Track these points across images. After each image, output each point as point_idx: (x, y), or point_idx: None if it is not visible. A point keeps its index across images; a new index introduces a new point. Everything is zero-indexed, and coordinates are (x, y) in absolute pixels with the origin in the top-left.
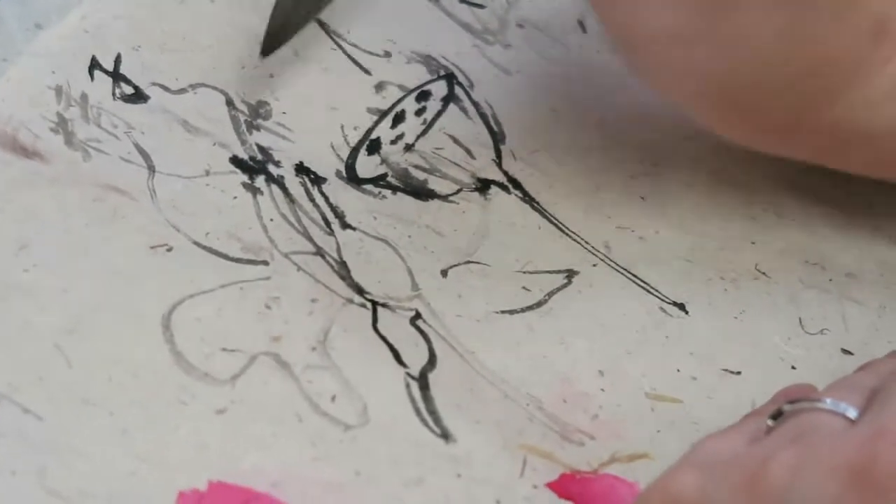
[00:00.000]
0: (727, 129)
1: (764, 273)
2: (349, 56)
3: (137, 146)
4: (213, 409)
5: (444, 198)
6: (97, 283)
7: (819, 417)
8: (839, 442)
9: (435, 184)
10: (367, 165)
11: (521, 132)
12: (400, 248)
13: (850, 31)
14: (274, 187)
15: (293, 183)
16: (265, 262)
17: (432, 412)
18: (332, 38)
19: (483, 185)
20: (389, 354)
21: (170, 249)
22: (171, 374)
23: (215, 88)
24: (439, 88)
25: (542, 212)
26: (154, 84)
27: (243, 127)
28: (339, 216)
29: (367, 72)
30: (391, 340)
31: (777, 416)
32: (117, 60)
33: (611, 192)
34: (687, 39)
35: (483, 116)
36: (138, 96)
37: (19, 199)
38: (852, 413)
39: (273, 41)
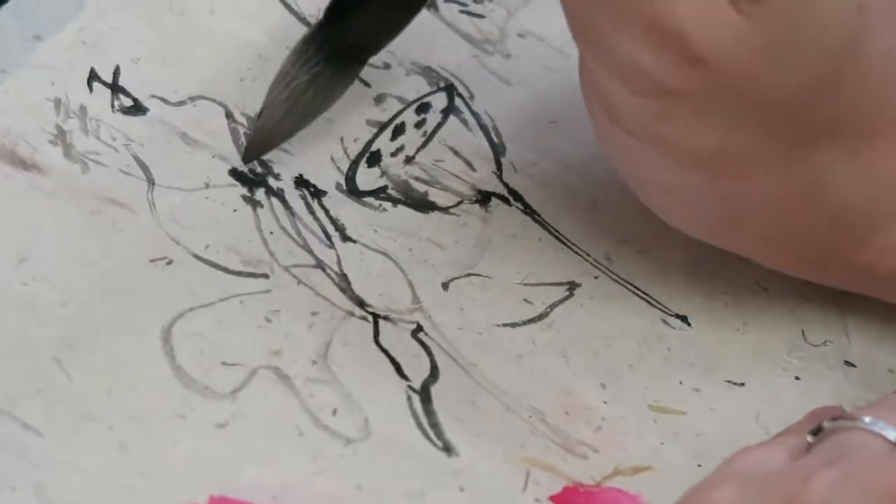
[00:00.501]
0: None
1: (765, 289)
2: None
3: (136, 158)
4: (214, 423)
5: (445, 210)
6: (96, 296)
7: (859, 437)
8: (879, 464)
9: (435, 196)
10: (368, 178)
11: (521, 144)
12: (401, 260)
13: (869, 187)
14: (274, 200)
15: (293, 195)
16: (265, 276)
17: (434, 425)
18: None
19: (484, 198)
20: (391, 367)
21: (169, 262)
22: (171, 388)
23: (214, 101)
24: (439, 100)
25: (543, 224)
26: (153, 96)
27: (243, 139)
28: (340, 229)
29: (366, 84)
30: (392, 353)
31: (817, 432)
32: (116, 72)
33: (612, 205)
34: (700, 194)
35: (483, 128)
36: (137, 108)
37: (18, 212)
38: (892, 434)
39: (255, 151)
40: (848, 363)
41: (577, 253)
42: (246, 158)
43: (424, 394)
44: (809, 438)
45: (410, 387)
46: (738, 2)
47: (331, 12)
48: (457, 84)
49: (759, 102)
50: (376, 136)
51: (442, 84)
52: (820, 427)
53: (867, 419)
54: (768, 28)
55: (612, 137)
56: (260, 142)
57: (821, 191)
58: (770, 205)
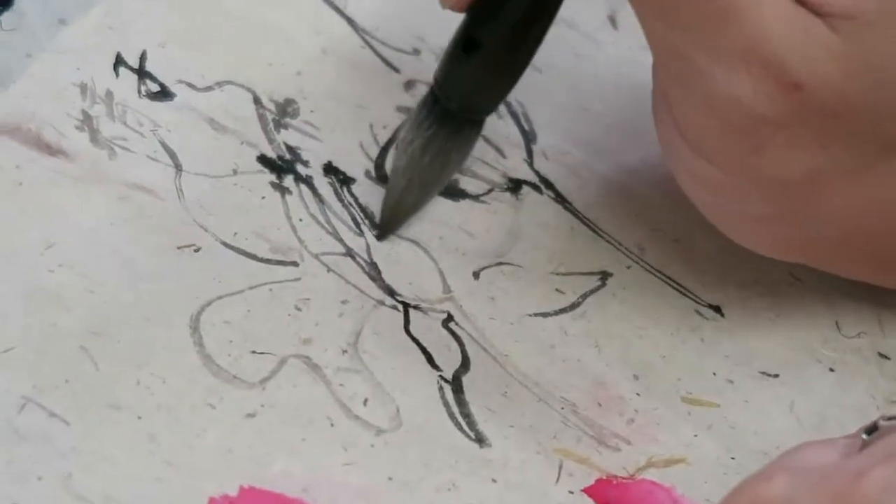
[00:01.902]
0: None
1: (799, 279)
2: (378, 54)
3: (164, 144)
4: (243, 412)
5: (476, 198)
6: (124, 284)
7: None
8: None
9: (466, 184)
10: None
11: (552, 131)
12: (431, 249)
13: None
14: (303, 187)
15: (322, 183)
16: (294, 263)
17: (466, 416)
18: (360, 35)
19: (515, 186)
20: (422, 357)
21: (197, 250)
22: (200, 377)
23: (242, 86)
24: None
25: (574, 213)
26: (180, 82)
27: (271, 125)
28: (369, 217)
29: (396, 70)
30: (423, 343)
31: (871, 431)
32: (142, 57)
33: (645, 193)
34: (784, 219)
35: (514, 115)
36: (164, 94)
37: (44, 198)
38: None
39: (386, 228)
40: (882, 355)
41: (609, 242)
42: (380, 237)
43: (456, 384)
44: (864, 437)
45: (442, 377)
46: (832, 20)
47: (440, 73)
48: None
49: (849, 121)
50: (406, 121)
51: None
52: (875, 426)
53: None
54: (861, 44)
55: (697, 171)
56: (389, 215)
57: (891, 199)
58: (848, 218)
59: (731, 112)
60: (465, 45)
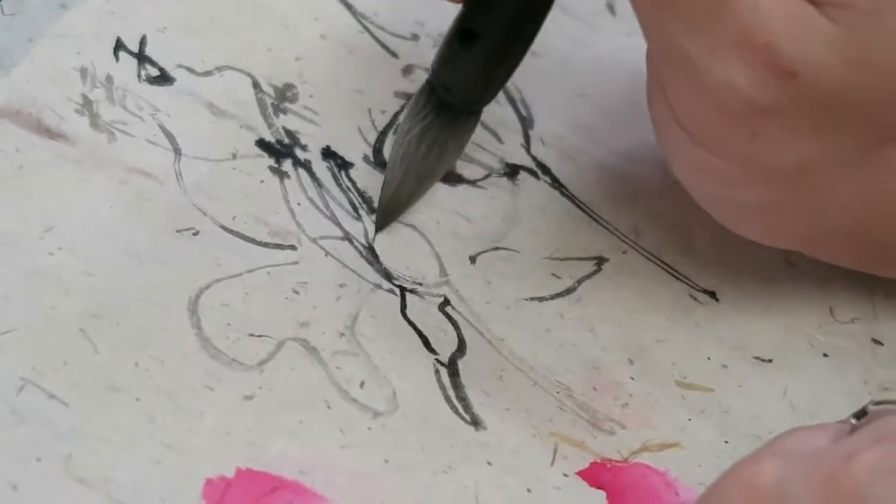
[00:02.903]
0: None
1: (793, 264)
2: (376, 39)
3: (163, 129)
4: (241, 395)
5: (473, 183)
6: (123, 266)
7: None
8: None
9: (463, 169)
10: None
11: (549, 116)
12: (428, 233)
13: None
14: (301, 171)
15: (320, 167)
16: (293, 247)
17: (462, 399)
18: (358, 20)
19: (512, 171)
20: (418, 341)
21: (196, 233)
22: (198, 360)
23: (242, 71)
24: None
25: (571, 198)
26: (180, 66)
27: (270, 110)
28: (367, 201)
29: (394, 55)
30: (420, 327)
31: (861, 415)
32: (142, 42)
33: (641, 179)
34: (780, 207)
35: (511, 100)
36: (164, 78)
37: (43, 182)
38: None
39: (384, 217)
40: (876, 341)
41: (605, 227)
42: (378, 227)
43: (452, 367)
44: (853, 421)
45: (438, 360)
46: (828, 8)
47: (436, 64)
48: None
49: (845, 109)
50: (404, 107)
51: None
52: (864, 410)
53: None
54: (857, 31)
55: (693, 159)
56: (386, 205)
57: (891, 189)
58: (845, 208)
59: (727, 99)
60: (461, 35)
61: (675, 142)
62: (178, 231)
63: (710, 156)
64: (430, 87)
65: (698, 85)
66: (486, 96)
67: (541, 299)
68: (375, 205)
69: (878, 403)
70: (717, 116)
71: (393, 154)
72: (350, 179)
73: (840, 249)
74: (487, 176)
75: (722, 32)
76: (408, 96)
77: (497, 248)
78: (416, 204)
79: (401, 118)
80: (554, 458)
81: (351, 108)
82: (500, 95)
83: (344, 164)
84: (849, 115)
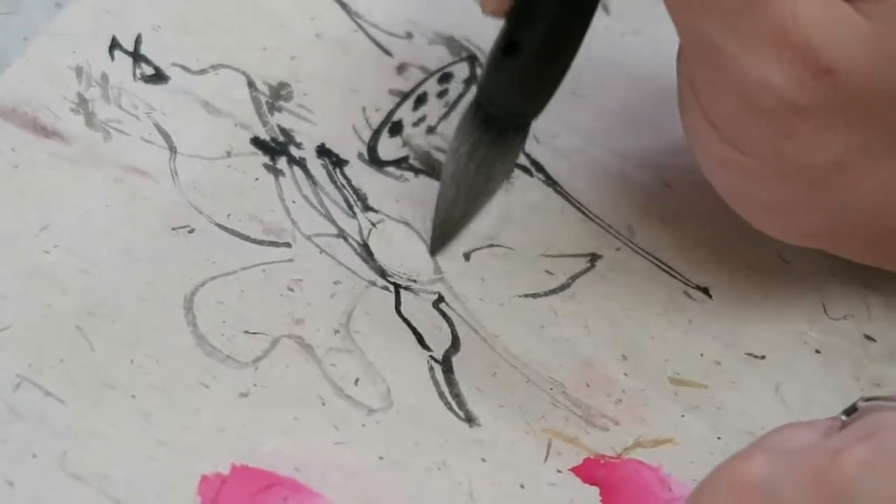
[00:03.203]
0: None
1: (786, 261)
2: (371, 37)
3: (158, 127)
4: (236, 392)
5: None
6: (118, 264)
7: (893, 416)
8: None
9: None
10: (389, 147)
11: (544, 115)
12: (422, 230)
13: None
14: (296, 169)
15: (315, 165)
16: (287, 245)
17: (456, 395)
18: (353, 19)
19: None
20: (412, 338)
21: (191, 231)
22: (193, 357)
23: (237, 70)
24: (461, 70)
25: (564, 195)
26: (175, 65)
27: (264, 108)
28: (361, 198)
29: (388, 53)
30: (414, 324)
31: (851, 412)
32: (138, 41)
33: (634, 177)
34: (808, 205)
35: None
36: (159, 77)
37: (40, 180)
38: None
39: (439, 241)
40: (868, 337)
41: (599, 224)
42: (433, 250)
43: (446, 364)
44: (843, 417)
45: (432, 357)
46: (862, 5)
47: (482, 78)
48: (479, 54)
49: (876, 104)
50: (398, 105)
51: (464, 54)
52: (854, 407)
53: None
54: (891, 27)
55: (723, 157)
56: (439, 229)
57: None
58: (875, 204)
59: (762, 97)
60: (505, 48)
61: (705, 140)
62: (173, 229)
63: (741, 154)
64: (477, 104)
65: (732, 83)
66: (534, 108)
67: (534, 296)
68: (370, 202)
69: (868, 400)
70: (750, 115)
71: (444, 174)
72: (345, 177)
73: (868, 247)
74: None
75: (758, 31)
76: (402, 94)
77: (491, 246)
78: (410, 201)
79: (450, 138)
80: (547, 454)
81: (345, 107)
82: None
83: (338, 162)
84: (878, 109)
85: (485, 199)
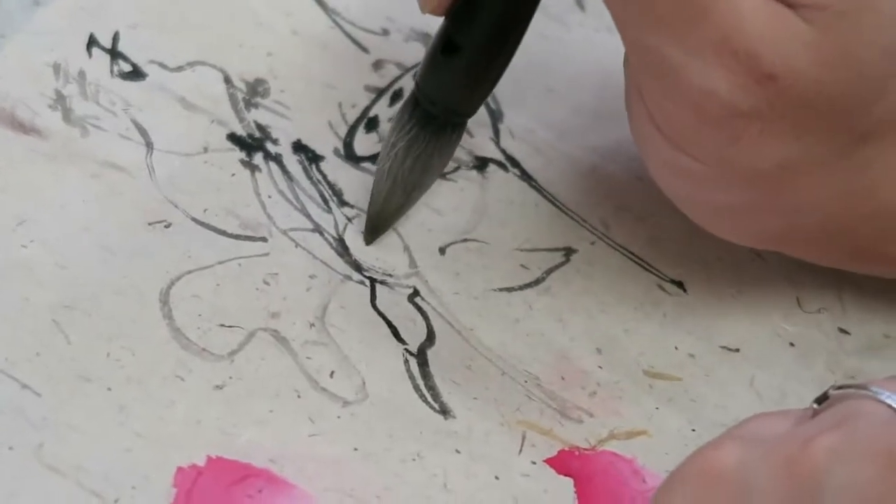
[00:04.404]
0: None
1: (760, 255)
2: (347, 34)
3: (135, 123)
4: (211, 384)
5: (443, 175)
6: (95, 259)
7: (864, 404)
8: (881, 428)
9: None
10: (365, 143)
11: (518, 110)
12: (398, 225)
13: None
14: (272, 165)
15: (291, 160)
16: (263, 239)
17: (431, 388)
18: (329, 16)
19: (481, 164)
20: (388, 331)
21: (168, 226)
22: (169, 350)
23: (213, 66)
24: None
25: (539, 190)
26: (152, 62)
27: (241, 105)
28: (337, 194)
29: (364, 50)
30: (389, 317)
31: (822, 400)
32: (115, 38)
33: (609, 172)
34: (758, 209)
35: None
36: (136, 74)
37: (17, 176)
38: None
39: (372, 232)
40: (842, 330)
41: (573, 219)
42: (368, 240)
43: (421, 357)
44: (815, 406)
45: (407, 350)
46: (804, 10)
47: (420, 76)
48: None
49: (822, 110)
50: (374, 101)
51: None
52: (825, 395)
53: (873, 388)
54: (833, 34)
55: (670, 162)
56: (373, 219)
57: (864, 187)
58: (823, 208)
59: (706, 104)
60: (444, 47)
61: (652, 145)
62: (149, 224)
63: (688, 159)
64: (415, 100)
65: (677, 90)
66: (470, 108)
67: (509, 290)
68: (345, 197)
69: (839, 388)
70: (696, 121)
71: (379, 167)
72: (320, 172)
73: (812, 247)
74: (457, 169)
75: (701, 39)
76: (378, 90)
77: (466, 240)
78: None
79: (387, 132)
80: (522, 446)
81: (322, 103)
82: None
83: (314, 158)
84: (826, 115)
85: (420, 192)
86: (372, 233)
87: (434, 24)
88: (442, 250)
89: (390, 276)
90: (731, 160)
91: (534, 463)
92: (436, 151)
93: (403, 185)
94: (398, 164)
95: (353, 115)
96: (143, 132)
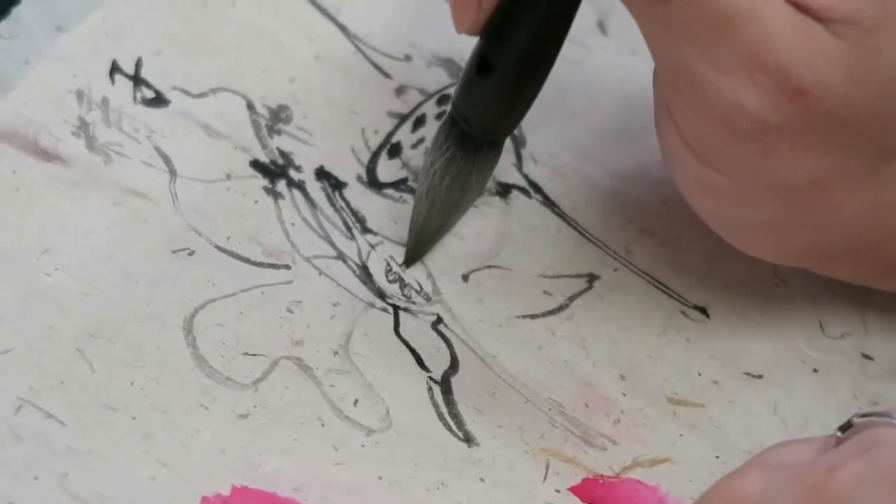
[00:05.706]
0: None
1: (784, 280)
2: (370, 60)
3: (158, 150)
4: (236, 413)
5: None
6: (119, 287)
7: (888, 432)
8: None
9: None
10: (388, 169)
11: (541, 136)
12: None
13: None
14: (295, 191)
15: (314, 187)
16: (287, 267)
17: (455, 416)
18: (352, 41)
19: (504, 190)
20: (411, 358)
21: (191, 253)
22: (193, 379)
23: (236, 93)
24: None
25: (562, 216)
26: (175, 88)
27: (264, 131)
28: (360, 221)
29: (387, 76)
30: (413, 345)
31: (846, 428)
32: (138, 64)
33: (632, 197)
34: (788, 224)
35: None
36: (159, 100)
37: (41, 203)
38: None
39: (413, 254)
40: (866, 356)
41: (596, 245)
42: (408, 262)
43: (445, 385)
44: (838, 434)
45: (431, 378)
46: (834, 25)
47: (456, 96)
48: None
49: (852, 125)
50: (397, 127)
51: None
52: (849, 423)
53: None
54: (862, 48)
55: (700, 179)
56: (415, 240)
57: (892, 204)
58: (852, 223)
59: (737, 120)
60: (478, 67)
61: (682, 161)
62: (173, 251)
63: (718, 175)
64: (452, 121)
65: (707, 106)
66: (506, 127)
67: (532, 317)
68: (368, 224)
69: (863, 416)
70: (726, 136)
71: (418, 189)
72: (343, 199)
73: (839, 264)
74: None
75: (731, 53)
76: (401, 116)
77: (489, 267)
78: (408, 222)
79: (425, 153)
80: (546, 473)
81: (344, 129)
82: None
83: (337, 185)
84: (856, 130)
85: (459, 213)
86: (413, 256)
87: (457, 48)
88: (465, 277)
89: (414, 303)
90: (760, 175)
91: (558, 491)
92: (473, 171)
93: (442, 205)
94: (436, 184)
95: (375, 141)
96: (166, 159)
